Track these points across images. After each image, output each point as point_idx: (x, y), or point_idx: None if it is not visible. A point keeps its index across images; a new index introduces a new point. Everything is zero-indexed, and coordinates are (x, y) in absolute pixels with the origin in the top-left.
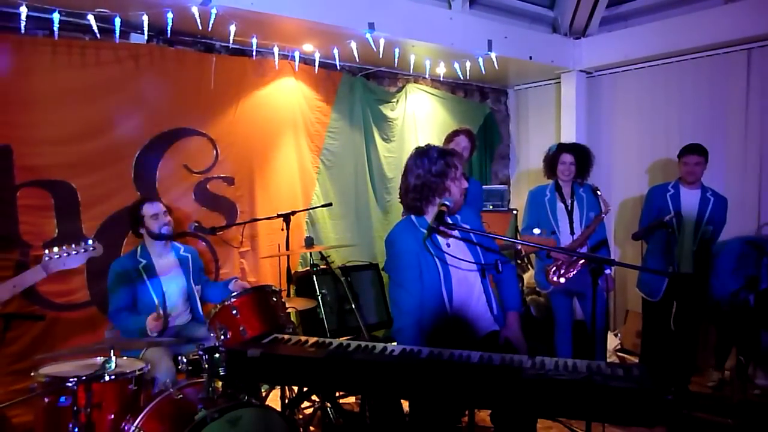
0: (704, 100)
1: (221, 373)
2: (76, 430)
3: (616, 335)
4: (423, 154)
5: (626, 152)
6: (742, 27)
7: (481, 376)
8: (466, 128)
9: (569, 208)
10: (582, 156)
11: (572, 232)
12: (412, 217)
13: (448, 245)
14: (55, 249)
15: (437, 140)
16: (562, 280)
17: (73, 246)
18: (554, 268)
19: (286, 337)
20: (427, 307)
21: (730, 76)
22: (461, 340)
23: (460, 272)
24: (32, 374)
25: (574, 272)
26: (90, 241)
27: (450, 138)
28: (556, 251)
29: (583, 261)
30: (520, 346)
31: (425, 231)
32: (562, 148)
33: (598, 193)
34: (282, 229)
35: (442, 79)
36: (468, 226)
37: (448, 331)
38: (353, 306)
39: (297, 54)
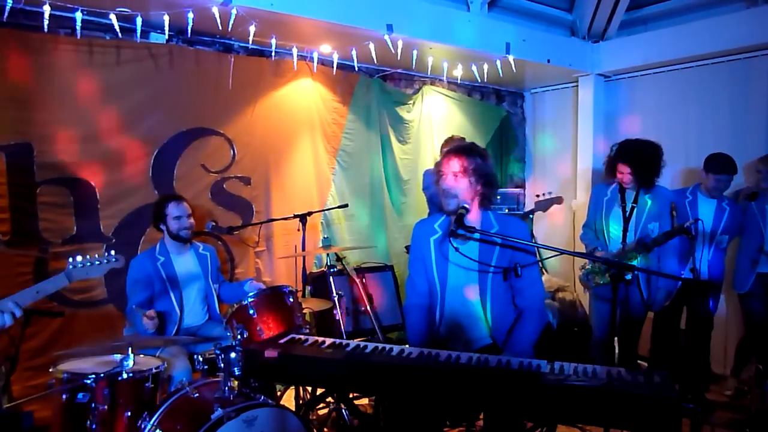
0: (725, 106)
1: (237, 373)
2: (94, 426)
3: None
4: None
5: None
6: (765, 32)
7: (499, 380)
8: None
9: (627, 214)
10: (641, 166)
11: (624, 240)
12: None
13: (463, 244)
14: (79, 258)
15: None
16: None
17: (96, 256)
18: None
19: (303, 337)
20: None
21: (753, 81)
22: (448, 339)
23: (463, 273)
24: (50, 370)
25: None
26: (113, 253)
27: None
28: (590, 258)
29: None
30: None
31: (439, 230)
32: (621, 155)
33: (674, 214)
34: (298, 230)
35: (458, 81)
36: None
37: (439, 327)
38: (368, 307)
39: (315, 55)
